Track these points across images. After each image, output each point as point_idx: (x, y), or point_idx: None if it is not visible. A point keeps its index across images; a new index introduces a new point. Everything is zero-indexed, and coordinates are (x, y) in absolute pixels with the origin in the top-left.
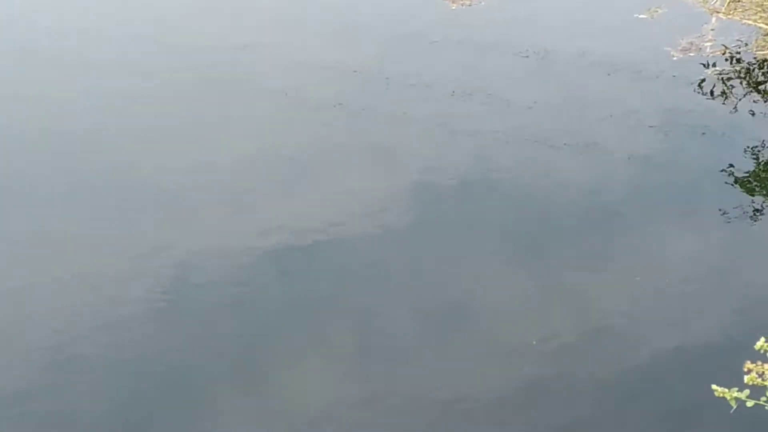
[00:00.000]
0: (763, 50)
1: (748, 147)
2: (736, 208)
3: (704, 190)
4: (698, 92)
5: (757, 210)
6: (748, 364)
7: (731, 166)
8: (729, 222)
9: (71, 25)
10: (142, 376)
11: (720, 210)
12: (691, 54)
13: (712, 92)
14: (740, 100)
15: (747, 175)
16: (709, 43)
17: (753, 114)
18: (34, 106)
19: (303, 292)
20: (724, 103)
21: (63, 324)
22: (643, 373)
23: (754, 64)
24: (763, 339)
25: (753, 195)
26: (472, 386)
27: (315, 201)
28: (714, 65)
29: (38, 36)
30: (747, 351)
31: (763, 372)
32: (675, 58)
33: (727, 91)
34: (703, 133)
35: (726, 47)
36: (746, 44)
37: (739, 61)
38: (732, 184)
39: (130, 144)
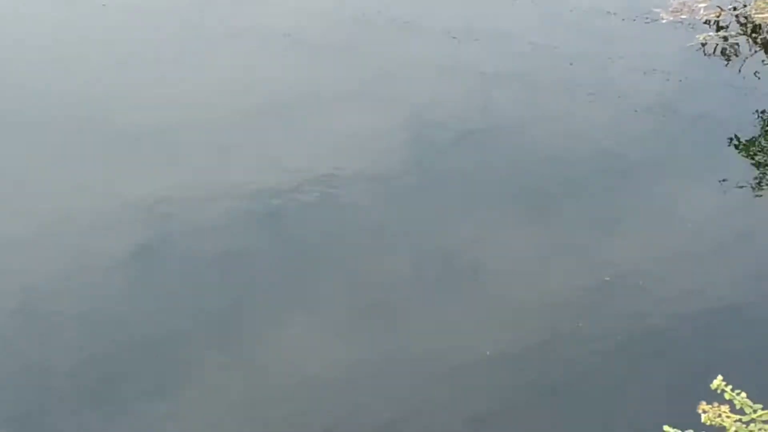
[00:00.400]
0: (763, 13)
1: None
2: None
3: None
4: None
5: None
6: (703, 405)
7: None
8: (743, 185)
9: None
10: (118, 330)
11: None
12: (683, 16)
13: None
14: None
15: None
16: (702, 5)
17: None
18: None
19: (293, 244)
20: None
21: (35, 273)
22: (652, 334)
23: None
24: (719, 378)
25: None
26: (473, 346)
27: (307, 145)
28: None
29: None
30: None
31: (720, 414)
32: (664, 21)
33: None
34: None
35: (721, 9)
36: (744, 5)
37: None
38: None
39: (110, 81)
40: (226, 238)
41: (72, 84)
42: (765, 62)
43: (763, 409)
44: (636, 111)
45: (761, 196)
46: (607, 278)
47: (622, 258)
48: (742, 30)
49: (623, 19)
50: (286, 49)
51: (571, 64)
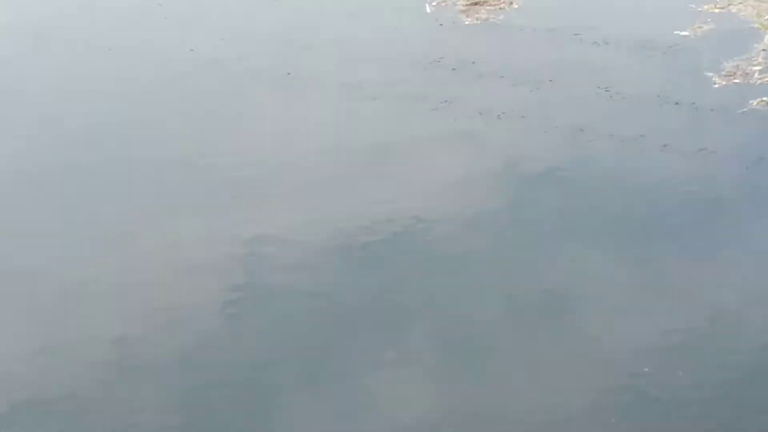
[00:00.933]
0: None
1: None
2: None
3: None
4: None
5: None
6: None
7: None
8: None
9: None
10: (208, 377)
11: None
12: (736, 80)
13: None
14: None
15: None
16: (757, 68)
17: None
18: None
19: (381, 287)
20: None
21: (124, 320)
22: (755, 380)
23: None
24: None
25: None
26: (567, 391)
27: (393, 187)
28: None
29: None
30: None
31: None
32: (716, 86)
33: None
34: None
35: None
36: None
37: None
38: None
39: (195, 131)
40: (316, 278)
41: (162, 130)
42: None
43: None
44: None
45: None
46: (708, 320)
47: (725, 298)
48: None
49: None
50: (370, 98)
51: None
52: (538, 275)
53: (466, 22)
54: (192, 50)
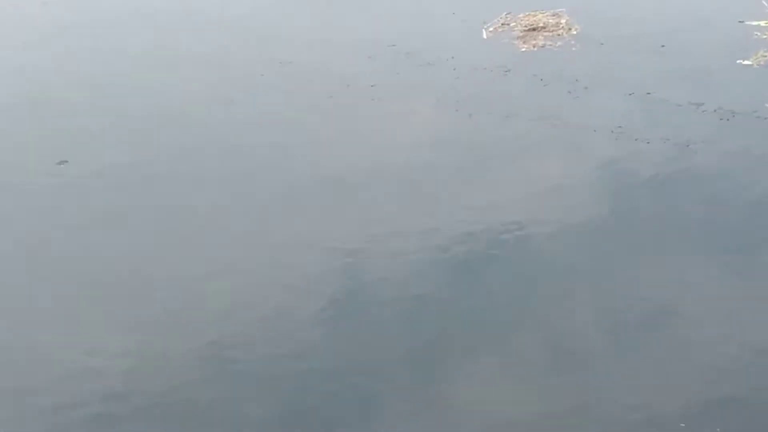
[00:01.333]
0: None
1: None
2: None
3: None
4: None
5: None
6: None
7: None
8: None
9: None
10: (307, 381)
11: None
12: None
13: None
14: None
15: None
16: None
17: None
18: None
19: (483, 296)
20: None
21: (219, 324)
22: None
23: None
24: None
25: None
26: (670, 405)
27: (494, 193)
28: None
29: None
30: None
31: None
32: None
33: None
34: None
35: None
36: None
37: None
38: None
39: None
40: (418, 285)
41: (259, 136)
42: None
43: None
44: None
45: None
46: None
47: None
48: None
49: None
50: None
51: None
52: (640, 286)
53: (522, 50)
54: (281, 63)
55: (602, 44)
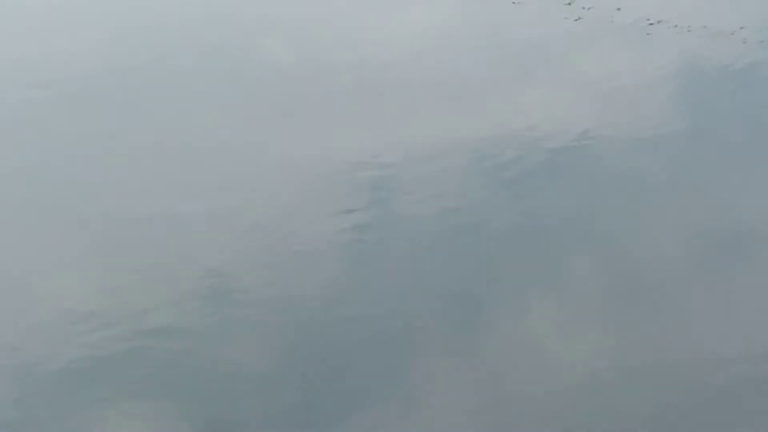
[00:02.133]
0: None
1: None
2: None
3: None
4: None
5: None
6: None
7: None
8: None
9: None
10: (335, 318)
11: None
12: None
13: None
14: None
15: None
16: None
17: None
18: None
19: (537, 212)
20: None
21: (242, 249)
22: None
23: None
24: None
25: None
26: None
27: (552, 97)
28: None
29: None
30: None
31: None
32: None
33: None
34: None
35: None
36: None
37: None
38: None
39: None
40: (458, 203)
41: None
42: None
43: None
44: None
45: None
46: None
47: None
48: None
49: None
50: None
51: None
52: (720, 204)
53: None
54: None
55: None
